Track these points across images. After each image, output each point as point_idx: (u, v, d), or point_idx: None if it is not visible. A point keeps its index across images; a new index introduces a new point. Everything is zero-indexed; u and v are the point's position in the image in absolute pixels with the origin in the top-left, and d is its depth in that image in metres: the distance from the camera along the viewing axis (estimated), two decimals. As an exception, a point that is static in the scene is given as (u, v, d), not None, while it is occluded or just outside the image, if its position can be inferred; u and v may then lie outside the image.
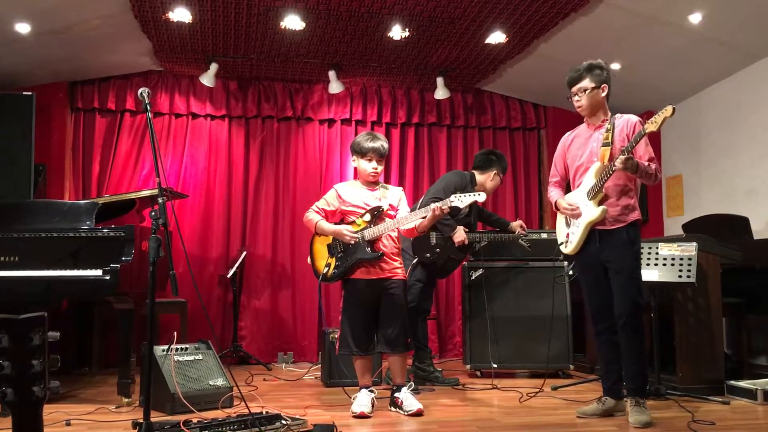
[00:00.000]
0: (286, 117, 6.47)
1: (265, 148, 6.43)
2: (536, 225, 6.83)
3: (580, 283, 3.77)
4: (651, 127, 3.26)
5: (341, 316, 3.92)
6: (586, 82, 3.54)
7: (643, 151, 3.43)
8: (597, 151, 3.56)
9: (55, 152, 5.92)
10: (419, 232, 3.92)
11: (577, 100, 3.59)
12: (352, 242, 3.79)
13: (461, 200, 3.67)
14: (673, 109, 3.19)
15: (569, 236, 3.68)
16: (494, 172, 4.89)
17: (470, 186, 4.77)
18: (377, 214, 3.86)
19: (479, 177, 4.89)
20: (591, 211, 3.52)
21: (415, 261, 4.76)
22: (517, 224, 5.02)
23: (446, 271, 5.07)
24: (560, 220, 3.82)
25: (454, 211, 4.30)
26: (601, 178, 3.45)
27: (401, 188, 4.15)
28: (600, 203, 3.50)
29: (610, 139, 3.49)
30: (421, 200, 4.78)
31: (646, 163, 3.40)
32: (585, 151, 3.63)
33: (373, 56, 5.87)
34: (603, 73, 3.55)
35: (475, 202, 3.86)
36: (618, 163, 3.31)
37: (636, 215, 3.55)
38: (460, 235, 4.66)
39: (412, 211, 3.89)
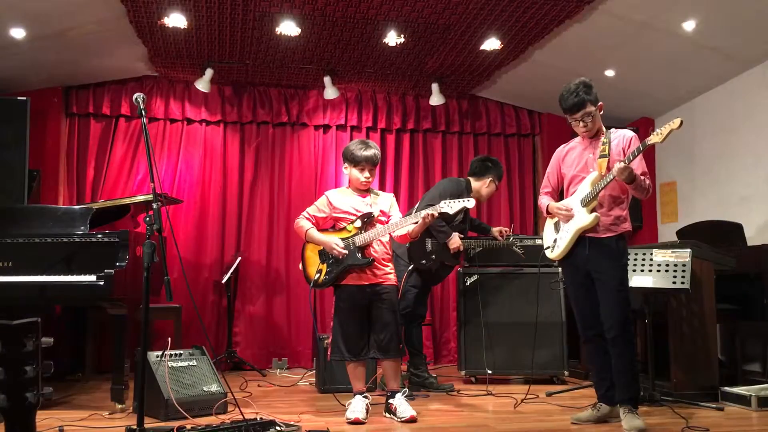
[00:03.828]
0: (281, 123, 6.48)
1: (260, 153, 6.43)
2: (530, 231, 6.84)
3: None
4: (656, 138, 3.25)
5: (333, 321, 3.93)
6: (590, 106, 3.49)
7: (637, 165, 3.41)
8: (592, 162, 3.56)
9: (49, 157, 5.90)
10: (412, 237, 3.93)
11: (584, 125, 3.54)
12: (340, 256, 3.80)
13: (451, 206, 3.67)
14: (681, 121, 3.19)
15: (557, 241, 3.68)
16: (490, 178, 4.89)
17: (465, 193, 4.77)
18: (368, 221, 3.86)
19: (475, 183, 4.90)
20: (583, 218, 3.52)
21: (410, 267, 4.77)
22: (497, 230, 5.03)
23: (439, 278, 5.08)
24: (548, 224, 3.82)
25: (448, 217, 4.31)
26: (597, 187, 3.47)
27: (392, 194, 4.17)
28: (592, 211, 3.51)
29: (607, 151, 3.50)
30: (416, 207, 4.78)
31: (642, 178, 3.41)
32: (581, 162, 3.63)
33: (368, 62, 5.88)
34: (594, 91, 3.52)
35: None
36: (615, 171, 3.31)
37: (626, 226, 3.56)
38: (455, 241, 4.66)
39: (405, 217, 3.89)
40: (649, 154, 3.40)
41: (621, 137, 3.56)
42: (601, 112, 3.57)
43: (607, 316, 3.46)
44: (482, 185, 4.90)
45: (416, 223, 3.77)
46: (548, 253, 3.76)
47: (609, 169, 3.43)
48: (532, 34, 5.19)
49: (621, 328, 3.42)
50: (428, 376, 4.81)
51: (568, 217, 3.59)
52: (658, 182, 6.43)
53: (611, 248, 3.49)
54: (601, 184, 3.45)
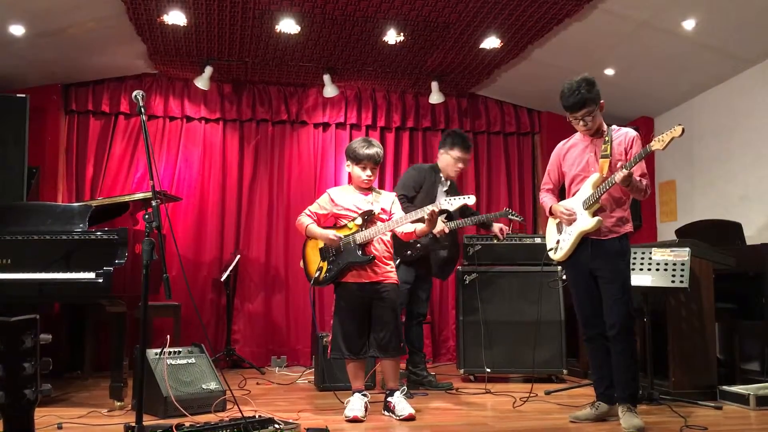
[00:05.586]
0: (280, 120, 6.47)
1: (259, 151, 6.43)
2: (530, 230, 6.84)
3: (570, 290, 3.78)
4: (657, 145, 3.23)
5: (333, 319, 3.93)
6: (591, 105, 3.47)
7: (636, 167, 3.42)
8: (594, 162, 3.55)
9: (48, 154, 5.90)
10: (418, 236, 3.91)
11: (585, 124, 3.53)
12: (339, 241, 3.81)
13: (451, 203, 3.68)
14: (683, 129, 3.17)
15: (560, 243, 3.68)
16: (447, 147, 4.84)
17: (433, 174, 4.77)
18: (369, 218, 3.87)
19: (440, 160, 4.89)
20: (585, 221, 3.52)
21: (397, 262, 4.73)
22: (497, 227, 4.97)
23: (442, 272, 5.02)
24: (551, 225, 3.82)
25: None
26: (599, 190, 3.46)
27: (394, 194, 4.16)
28: (595, 214, 3.50)
29: (608, 152, 3.48)
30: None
31: (639, 179, 3.40)
32: (582, 161, 3.62)
33: (367, 60, 5.88)
34: (597, 88, 3.50)
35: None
36: (618, 178, 3.31)
37: (629, 227, 3.56)
38: (438, 225, 4.63)
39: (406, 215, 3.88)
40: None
41: (623, 137, 3.55)
42: (602, 111, 3.56)
43: (610, 313, 3.46)
44: (443, 157, 4.86)
45: (418, 220, 3.76)
46: (551, 255, 3.76)
47: (611, 170, 3.43)
48: (531, 33, 5.19)
49: (623, 325, 3.43)
50: (427, 375, 4.81)
51: (571, 220, 3.59)
52: (658, 181, 6.44)
53: (614, 248, 3.50)
54: (604, 187, 3.43)
